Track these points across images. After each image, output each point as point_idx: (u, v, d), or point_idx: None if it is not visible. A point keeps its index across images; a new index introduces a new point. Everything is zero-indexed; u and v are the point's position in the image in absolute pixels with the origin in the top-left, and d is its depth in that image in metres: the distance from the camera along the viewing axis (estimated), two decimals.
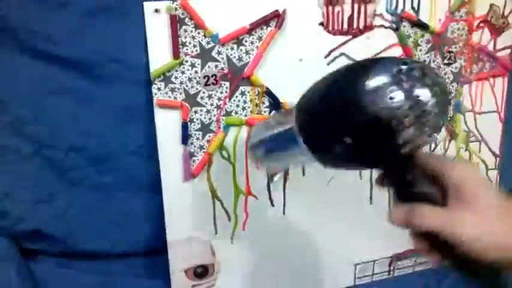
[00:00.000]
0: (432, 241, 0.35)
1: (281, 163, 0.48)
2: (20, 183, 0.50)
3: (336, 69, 0.35)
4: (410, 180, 0.36)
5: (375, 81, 0.31)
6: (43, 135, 0.49)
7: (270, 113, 0.55)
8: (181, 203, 0.54)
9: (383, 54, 0.57)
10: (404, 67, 0.31)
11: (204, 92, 0.52)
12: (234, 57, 0.51)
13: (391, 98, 0.30)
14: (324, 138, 0.35)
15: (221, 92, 0.52)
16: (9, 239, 0.52)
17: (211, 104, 0.52)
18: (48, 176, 0.50)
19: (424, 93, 0.31)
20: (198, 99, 0.52)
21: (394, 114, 0.30)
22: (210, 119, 0.53)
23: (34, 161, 0.49)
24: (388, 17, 0.56)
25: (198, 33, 0.49)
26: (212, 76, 0.51)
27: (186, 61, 0.50)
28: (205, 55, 0.50)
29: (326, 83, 0.36)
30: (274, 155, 0.43)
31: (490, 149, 0.67)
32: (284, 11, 0.51)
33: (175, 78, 0.50)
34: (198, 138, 0.53)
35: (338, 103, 0.33)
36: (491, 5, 0.60)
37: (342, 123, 0.33)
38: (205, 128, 0.53)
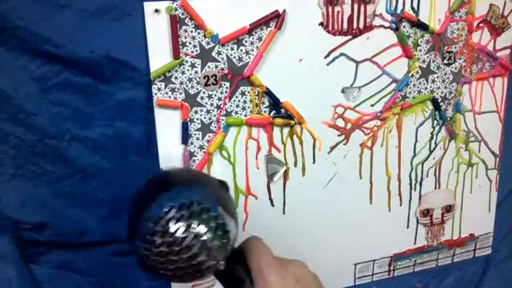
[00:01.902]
0: None
1: None
2: (23, 170, 0.50)
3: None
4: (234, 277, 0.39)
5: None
6: (46, 126, 0.49)
7: (270, 113, 0.55)
8: None
9: (383, 54, 0.57)
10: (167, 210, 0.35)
11: (204, 92, 0.52)
12: (234, 57, 0.52)
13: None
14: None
15: (221, 92, 0.52)
16: (9, 238, 0.52)
17: (211, 104, 0.52)
18: (51, 164, 0.51)
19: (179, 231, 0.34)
20: (198, 99, 0.52)
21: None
22: (210, 119, 0.53)
23: (38, 148, 0.50)
24: (388, 17, 0.56)
25: (198, 33, 0.50)
26: (212, 76, 0.51)
27: (186, 61, 0.50)
28: (205, 55, 0.50)
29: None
30: None
31: (489, 149, 0.68)
32: (284, 11, 0.51)
33: (175, 78, 0.50)
34: (198, 138, 0.53)
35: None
36: (491, 5, 0.61)
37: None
38: (205, 128, 0.53)
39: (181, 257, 0.34)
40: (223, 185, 0.42)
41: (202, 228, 0.34)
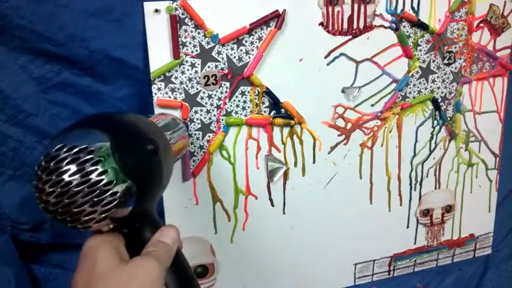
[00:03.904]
0: None
1: None
2: (22, 171, 0.50)
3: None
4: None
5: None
6: (45, 127, 0.49)
7: (270, 113, 0.55)
8: (181, 203, 0.54)
9: (383, 54, 0.57)
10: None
11: (204, 92, 0.52)
12: (234, 57, 0.51)
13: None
14: None
15: (221, 92, 0.52)
16: (9, 238, 0.51)
17: (211, 104, 0.52)
18: None
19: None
20: (198, 99, 0.52)
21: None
22: (210, 119, 0.53)
23: (37, 150, 0.49)
24: (388, 17, 0.56)
25: (198, 33, 0.49)
26: (212, 76, 0.51)
27: (186, 61, 0.50)
28: (205, 55, 0.50)
29: None
30: None
31: (489, 149, 0.67)
32: (284, 11, 0.51)
33: (175, 78, 0.50)
34: (198, 138, 0.53)
35: None
36: (491, 5, 0.61)
37: None
38: (205, 128, 0.53)
39: (59, 199, 0.32)
40: (152, 143, 0.37)
41: (73, 168, 0.32)
